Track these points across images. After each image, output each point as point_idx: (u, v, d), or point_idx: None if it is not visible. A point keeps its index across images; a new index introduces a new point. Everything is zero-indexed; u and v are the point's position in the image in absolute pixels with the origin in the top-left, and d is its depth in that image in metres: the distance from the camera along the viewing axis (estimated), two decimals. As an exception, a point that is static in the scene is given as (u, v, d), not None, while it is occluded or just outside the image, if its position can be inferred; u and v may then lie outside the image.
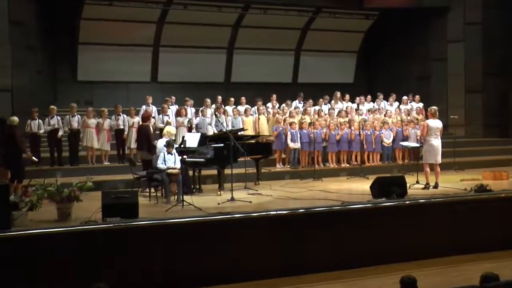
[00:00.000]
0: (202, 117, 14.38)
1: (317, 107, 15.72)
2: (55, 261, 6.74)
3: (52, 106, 13.73)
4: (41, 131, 13.30)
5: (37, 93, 16.27)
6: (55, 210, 8.38)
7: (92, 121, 13.65)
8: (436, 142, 11.14)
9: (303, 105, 16.04)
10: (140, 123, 12.65)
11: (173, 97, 15.50)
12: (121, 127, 13.89)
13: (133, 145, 13.27)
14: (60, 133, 13.34)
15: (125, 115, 14.08)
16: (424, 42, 20.18)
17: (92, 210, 8.13)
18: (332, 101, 16.55)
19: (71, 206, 8.44)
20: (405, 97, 16.83)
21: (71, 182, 8.70)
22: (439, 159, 11.21)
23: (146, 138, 11.50)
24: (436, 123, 11.20)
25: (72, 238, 6.99)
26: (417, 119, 15.35)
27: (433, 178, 11.24)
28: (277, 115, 14.73)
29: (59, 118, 13.47)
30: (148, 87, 19.08)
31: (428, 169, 11.26)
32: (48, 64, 18.49)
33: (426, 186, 11.14)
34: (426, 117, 12.29)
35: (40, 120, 13.30)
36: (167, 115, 14.23)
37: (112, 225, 7.36)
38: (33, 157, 11.15)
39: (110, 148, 13.89)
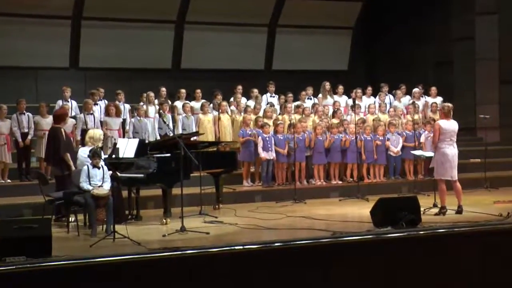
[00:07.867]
0: (138, 117, 14.33)
1: (304, 104, 15.78)
2: None
3: None
4: None
5: None
6: None
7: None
8: (451, 150, 11.20)
9: (278, 100, 16.10)
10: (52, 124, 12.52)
11: (102, 89, 15.43)
12: (26, 130, 13.77)
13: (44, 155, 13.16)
14: None
15: (30, 114, 13.96)
16: (444, 16, 20.37)
17: (-15, 247, 8.00)
18: (319, 95, 16.67)
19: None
20: (416, 89, 17.01)
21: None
22: (455, 174, 11.26)
23: (55, 146, 11.36)
24: (450, 125, 11.29)
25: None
26: (434, 119, 15.48)
27: (453, 199, 11.30)
28: (244, 115, 14.76)
29: None
30: (65, 75, 18.92)
31: (443, 187, 11.30)
32: None
33: (442, 211, 11.22)
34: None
35: None
36: (92, 114, 14.13)
37: (13, 267, 7.25)
38: None
39: (11, 159, 13.74)
